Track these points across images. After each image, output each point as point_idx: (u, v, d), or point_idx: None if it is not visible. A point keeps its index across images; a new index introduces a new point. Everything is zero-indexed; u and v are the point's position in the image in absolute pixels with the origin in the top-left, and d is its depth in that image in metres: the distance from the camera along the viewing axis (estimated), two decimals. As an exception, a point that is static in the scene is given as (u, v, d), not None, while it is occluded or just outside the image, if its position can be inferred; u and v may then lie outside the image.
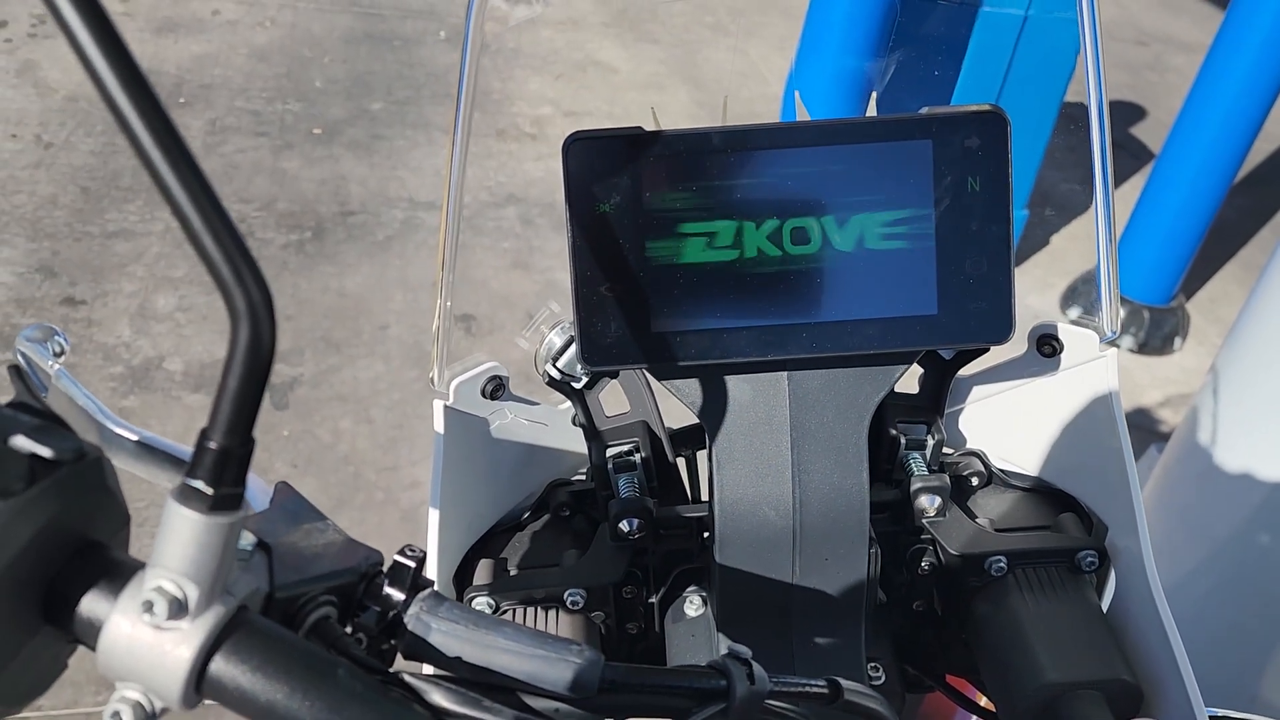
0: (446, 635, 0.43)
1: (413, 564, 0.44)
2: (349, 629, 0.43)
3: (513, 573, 0.74)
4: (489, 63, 4.61)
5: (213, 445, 0.35)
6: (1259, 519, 2.10)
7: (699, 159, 0.59)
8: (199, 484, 0.35)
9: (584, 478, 0.80)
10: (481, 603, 0.71)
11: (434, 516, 0.69)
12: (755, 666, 0.45)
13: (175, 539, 0.35)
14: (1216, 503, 2.17)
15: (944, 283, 0.60)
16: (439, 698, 0.39)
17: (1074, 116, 4.88)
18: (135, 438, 0.53)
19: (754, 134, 0.59)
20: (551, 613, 0.72)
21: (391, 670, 0.41)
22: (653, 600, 0.77)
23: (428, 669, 0.43)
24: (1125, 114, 5.19)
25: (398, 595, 0.43)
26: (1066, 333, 0.72)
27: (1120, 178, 4.49)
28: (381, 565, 0.45)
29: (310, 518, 0.45)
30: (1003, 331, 0.61)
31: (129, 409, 2.68)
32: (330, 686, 0.36)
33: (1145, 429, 3.16)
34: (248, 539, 0.41)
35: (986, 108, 0.59)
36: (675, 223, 0.59)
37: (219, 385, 0.35)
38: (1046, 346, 0.73)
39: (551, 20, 5.16)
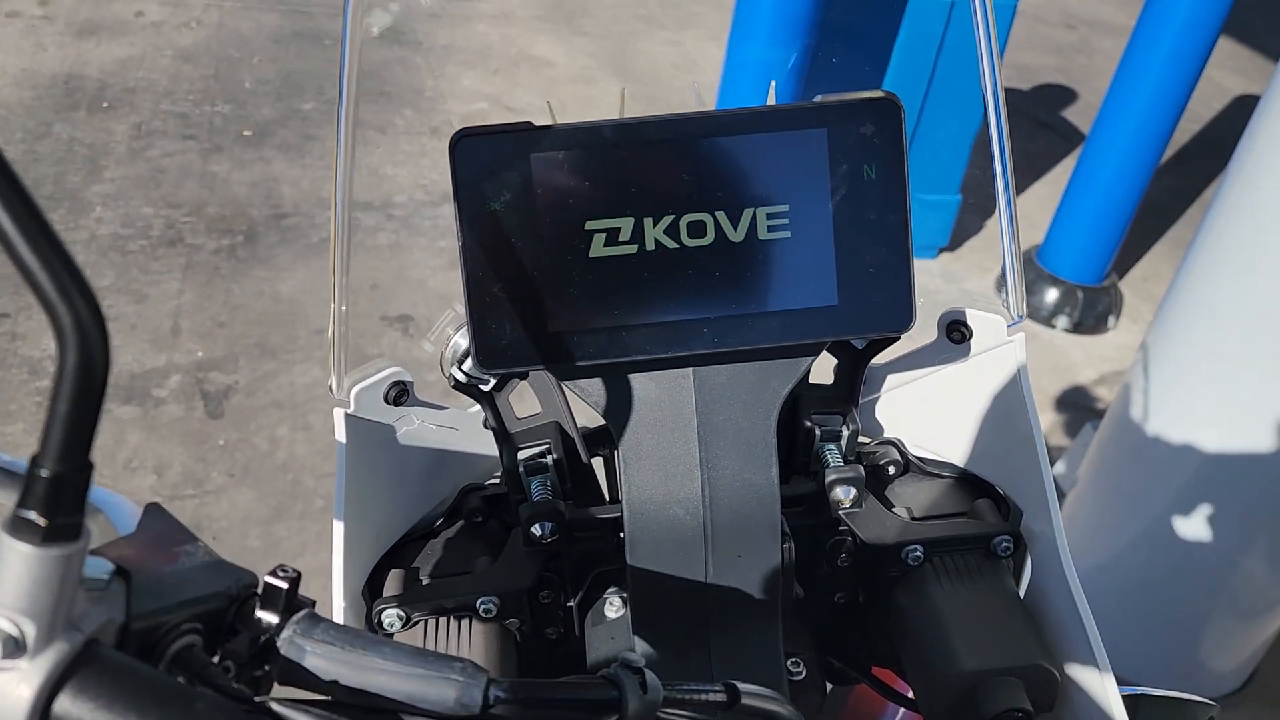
0: (322, 658, 0.41)
1: (285, 585, 0.42)
2: (218, 657, 0.41)
3: (425, 582, 0.72)
4: (421, 60, 4.56)
5: (45, 473, 0.33)
6: (1191, 491, 2.14)
7: (591, 153, 0.57)
8: (31, 515, 0.33)
9: (498, 482, 0.79)
10: (391, 615, 0.69)
11: (338, 529, 0.67)
12: (648, 675, 0.44)
13: (9, 574, 0.33)
14: (1150, 477, 2.21)
15: (843, 273, 0.59)
16: (308, 725, 0.38)
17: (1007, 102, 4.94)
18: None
19: (647, 126, 0.57)
20: (464, 622, 0.70)
21: (266, 698, 0.39)
22: (571, 604, 0.76)
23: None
24: (1055, 96, 5.27)
25: (270, 618, 0.41)
26: (975, 318, 0.71)
27: (1051, 160, 4.56)
28: (255, 587, 0.43)
29: (179, 540, 0.43)
30: (904, 320, 0.61)
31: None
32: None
33: (1082, 407, 3.21)
34: (103, 567, 0.39)
35: (880, 94, 0.58)
36: (568, 219, 0.58)
37: (48, 409, 0.33)
38: (956, 333, 0.72)
39: (484, 15, 5.12)
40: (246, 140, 3.82)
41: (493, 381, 0.71)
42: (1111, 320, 3.60)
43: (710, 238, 0.59)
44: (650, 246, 0.59)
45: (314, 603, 0.44)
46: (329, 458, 2.65)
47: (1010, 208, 0.68)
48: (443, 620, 0.70)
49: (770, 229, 0.59)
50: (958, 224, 3.76)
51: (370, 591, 0.73)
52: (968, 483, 0.78)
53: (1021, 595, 0.74)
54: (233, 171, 3.64)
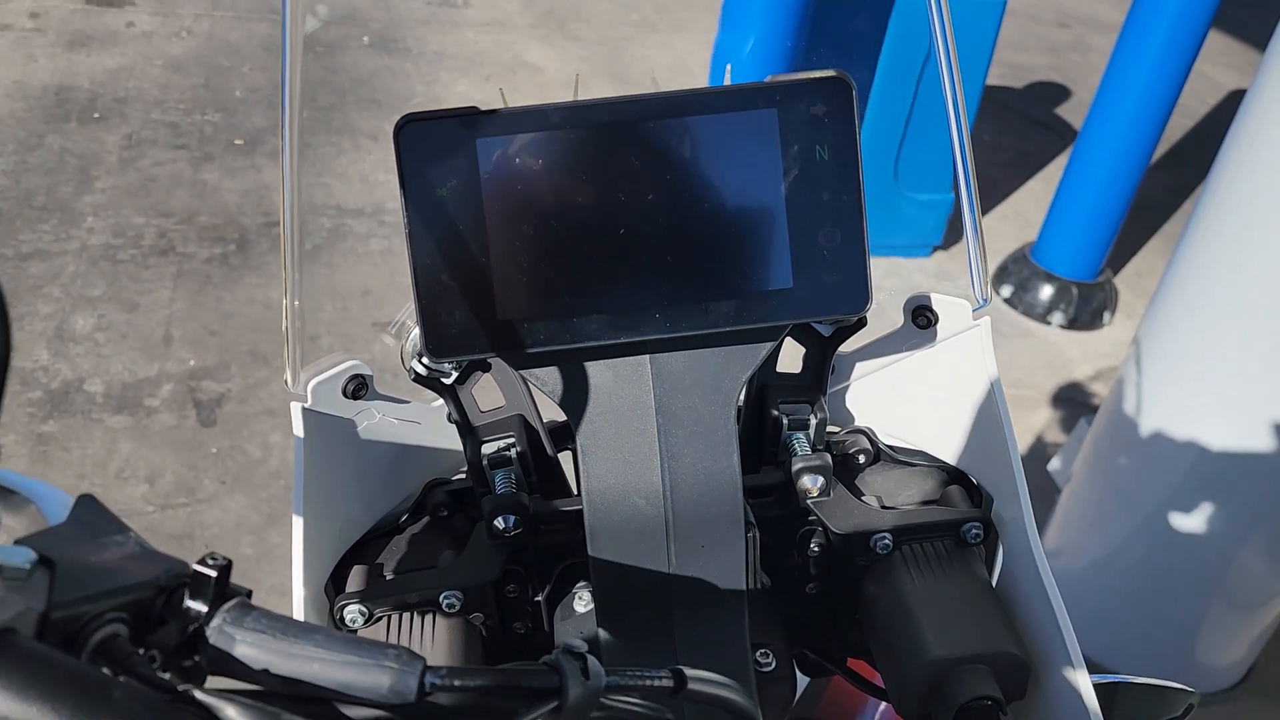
0: (253, 647, 0.40)
1: (214, 573, 0.41)
2: (144, 647, 0.40)
3: (389, 578, 0.71)
4: (411, 67, 4.56)
5: None
6: (1186, 485, 2.13)
7: (538, 137, 0.57)
8: None
9: (464, 477, 0.78)
10: (353, 611, 0.68)
11: (298, 524, 0.66)
12: (590, 661, 0.43)
13: (-85, 561, 0.32)
14: (1144, 472, 2.20)
15: (798, 255, 0.59)
16: (234, 714, 0.37)
17: (1000, 101, 4.93)
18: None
19: (595, 109, 0.57)
20: (428, 617, 0.69)
21: (190, 687, 0.38)
22: (539, 599, 0.75)
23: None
24: (1050, 94, 5.26)
25: (199, 608, 0.41)
26: (940, 303, 0.70)
27: (1045, 157, 4.55)
28: (186, 576, 0.42)
29: (109, 531, 0.42)
30: (860, 301, 0.60)
31: (49, 434, 2.60)
32: (102, 709, 0.34)
33: (1078, 403, 3.19)
34: (25, 556, 0.38)
35: (831, 73, 0.57)
36: (516, 204, 0.57)
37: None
38: (921, 318, 0.72)
39: (477, 22, 5.12)
40: (237, 149, 3.82)
41: (455, 374, 0.70)
42: (1107, 316, 3.59)
43: (663, 221, 0.58)
44: (600, 230, 0.58)
45: (249, 592, 0.43)
46: (321, 464, 2.64)
47: (971, 193, 0.67)
48: (406, 616, 0.69)
49: (724, 211, 0.58)
50: (951, 221, 3.75)
51: (334, 588, 0.72)
52: (939, 470, 0.77)
53: (994, 583, 0.73)
54: (224, 180, 3.64)
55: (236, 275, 3.21)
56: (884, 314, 0.76)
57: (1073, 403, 3.19)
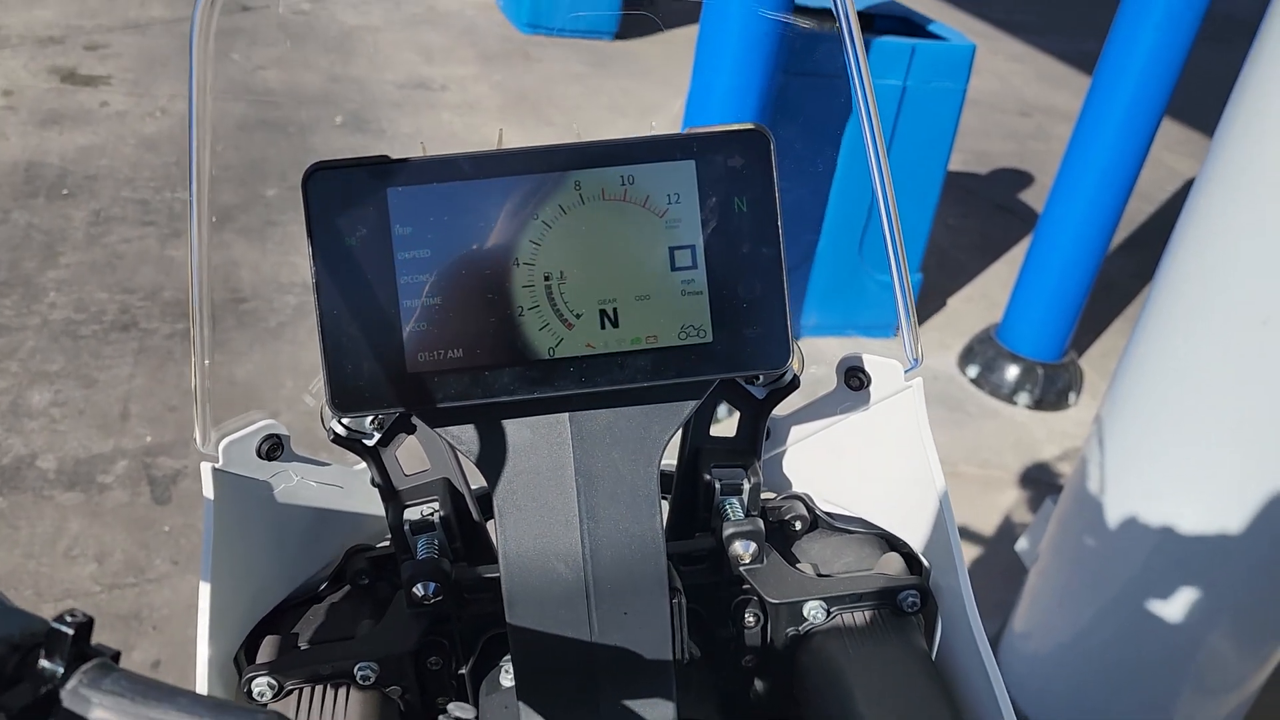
0: (111, 711, 0.37)
1: (72, 630, 0.38)
2: None
3: (303, 648, 0.68)
4: (385, 147, 4.60)
5: None
6: (1152, 565, 2.11)
7: (451, 186, 0.55)
8: None
9: (388, 544, 0.75)
10: (261, 684, 0.65)
11: (204, 590, 0.63)
12: None
13: None
14: (1110, 552, 2.18)
15: (717, 309, 0.57)
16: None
17: (965, 187, 5.03)
18: None
19: (509, 158, 0.56)
20: (342, 690, 0.66)
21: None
22: (463, 671, 0.72)
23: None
24: (1012, 180, 5.36)
25: (54, 668, 0.38)
26: (872, 364, 0.69)
27: (1009, 242, 4.62)
28: (43, 634, 0.40)
29: None
30: (780, 357, 0.58)
31: (-3, 510, 2.53)
32: None
33: (1045, 484, 3.19)
34: None
35: (749, 126, 0.57)
36: (428, 255, 0.56)
37: None
38: (854, 379, 0.70)
39: (451, 104, 5.19)
40: (207, 225, 3.82)
41: (377, 436, 0.68)
42: (1072, 397, 3.60)
43: (577, 273, 0.57)
44: (513, 282, 0.57)
45: (116, 653, 0.41)
46: (277, 543, 2.58)
47: (898, 255, 0.66)
48: (319, 689, 0.66)
49: (639, 263, 0.57)
50: (921, 301, 3.78)
51: (246, 658, 0.69)
52: (876, 538, 0.75)
53: (933, 654, 0.71)
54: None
55: (199, 351, 3.17)
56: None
57: (1040, 483, 3.18)
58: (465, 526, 0.72)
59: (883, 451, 0.72)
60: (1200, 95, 4.58)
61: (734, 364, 0.58)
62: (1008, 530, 2.98)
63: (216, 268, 3.59)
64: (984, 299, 4.19)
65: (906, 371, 0.69)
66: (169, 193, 3.98)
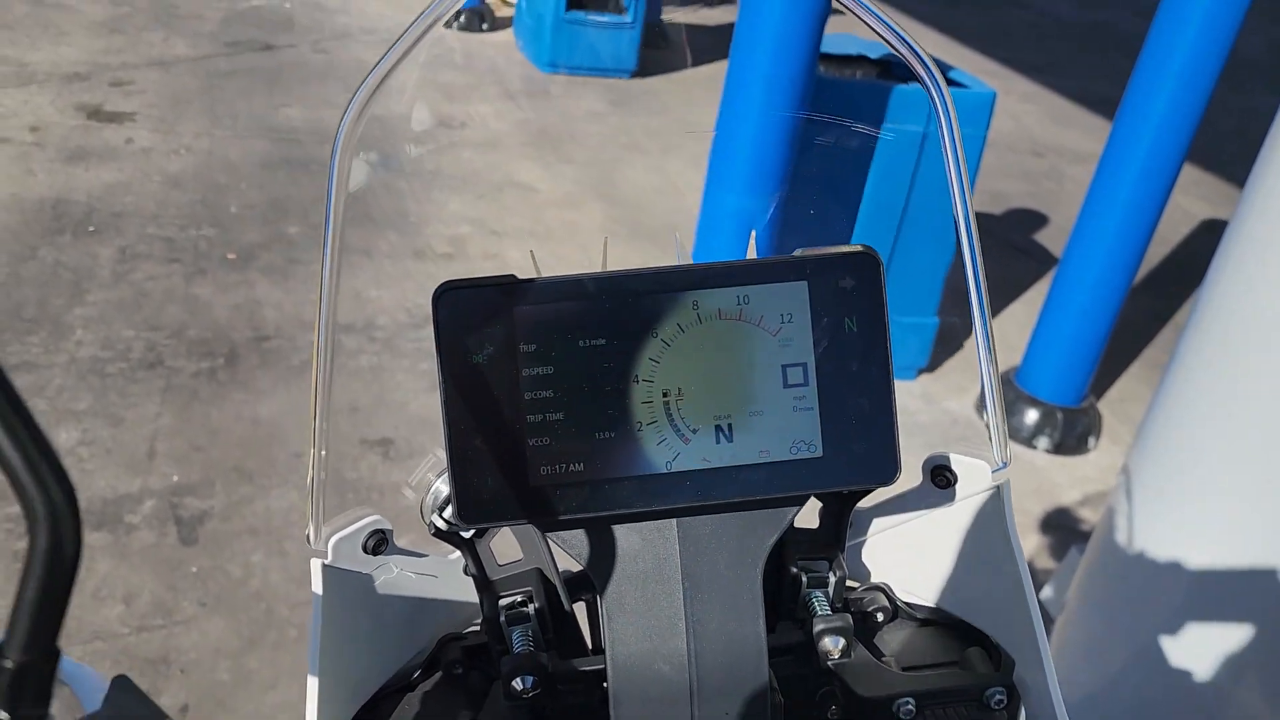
0: None
1: None
2: None
3: None
4: (405, 185, 4.64)
5: (9, 663, 0.32)
6: (1180, 617, 2.11)
7: (575, 306, 0.58)
8: None
9: (478, 628, 0.77)
10: (364, 775, 0.66)
11: (312, 684, 0.65)
12: None
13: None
14: (1137, 603, 2.18)
15: (827, 425, 0.59)
16: None
17: (980, 227, 5.06)
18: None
19: (630, 280, 0.58)
20: None
21: None
22: None
23: None
24: (1028, 221, 5.40)
25: None
26: (959, 464, 0.71)
27: (1025, 283, 4.65)
28: None
29: (141, 714, 0.42)
30: (889, 472, 0.60)
31: (24, 551, 2.55)
32: None
33: (1066, 529, 3.19)
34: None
35: (859, 248, 0.59)
36: (553, 373, 0.58)
37: (15, 595, 0.32)
38: (940, 478, 0.72)
39: (471, 142, 5.24)
40: (230, 263, 3.86)
41: (473, 529, 0.70)
42: (1092, 441, 3.61)
43: (695, 390, 0.59)
44: (634, 399, 0.59)
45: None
46: (303, 585, 2.59)
47: (991, 357, 0.68)
48: None
49: (755, 380, 0.59)
50: (936, 344, 3.80)
51: (344, 749, 0.70)
52: (958, 630, 0.77)
53: (1017, 750, 0.72)
54: (216, 295, 3.66)
55: (224, 391, 3.20)
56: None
57: (1061, 529, 3.19)
58: (557, 616, 0.73)
59: (965, 545, 0.74)
60: (1213, 137, 4.62)
61: (843, 478, 0.60)
62: (1032, 578, 2.97)
63: (238, 306, 3.62)
64: (1001, 341, 4.21)
65: (994, 471, 0.70)
66: (194, 230, 4.02)
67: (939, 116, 0.65)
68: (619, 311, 0.58)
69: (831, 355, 0.59)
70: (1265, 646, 1.98)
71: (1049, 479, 3.42)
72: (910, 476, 0.76)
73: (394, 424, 3.15)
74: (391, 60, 0.63)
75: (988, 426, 0.70)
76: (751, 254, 0.65)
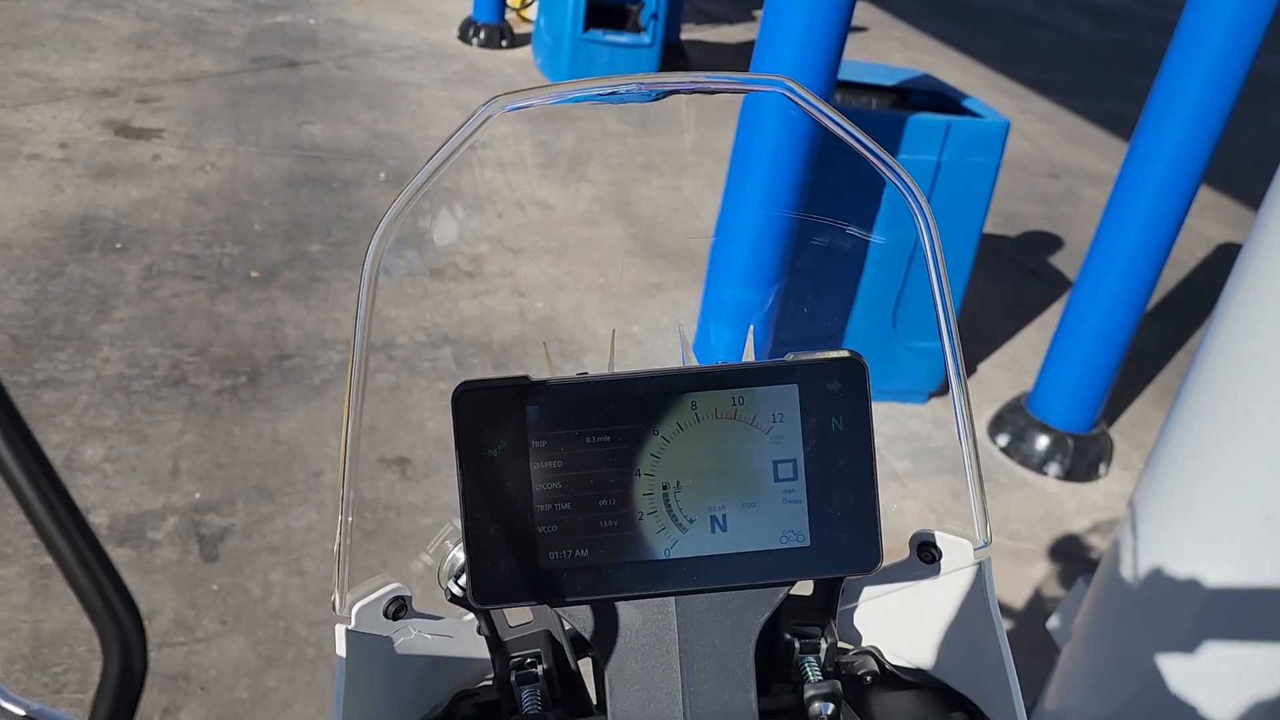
0: None
1: None
2: None
3: None
4: (425, 204, 4.70)
5: None
6: (1188, 648, 2.13)
7: (581, 406, 0.63)
8: None
9: (489, 684, 0.81)
10: (386, 830, 0.71)
11: (336, 741, 0.70)
12: None
13: None
14: (1145, 634, 2.20)
15: (814, 517, 0.64)
16: None
17: (994, 249, 5.08)
18: (22, 712, 0.53)
19: (636, 383, 0.63)
20: None
21: None
22: None
23: None
24: (1042, 244, 5.42)
25: None
26: (944, 541, 0.75)
27: (1039, 306, 4.67)
28: None
29: None
30: (871, 561, 0.65)
31: (50, 567, 2.61)
32: None
33: (1075, 557, 3.21)
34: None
35: (845, 354, 0.64)
36: (562, 467, 0.63)
37: (89, 713, 0.37)
38: (926, 553, 0.76)
39: (490, 161, 5.30)
40: (254, 281, 3.93)
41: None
42: (1103, 468, 3.63)
43: (694, 484, 0.64)
44: (638, 492, 0.64)
45: None
46: (322, 604, 2.65)
47: (971, 441, 0.72)
48: None
49: (749, 475, 0.64)
50: (947, 371, 3.83)
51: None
52: (942, 694, 0.81)
53: (997, 811, 0.76)
54: (239, 312, 3.73)
55: (246, 409, 3.26)
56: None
57: (1070, 556, 3.21)
58: (564, 673, 0.78)
59: (950, 615, 0.78)
60: (1229, 158, 4.63)
61: (828, 566, 0.65)
62: (1038, 604, 3.00)
63: (261, 324, 3.69)
64: (1014, 364, 4.24)
65: (976, 549, 0.75)
66: (218, 248, 4.10)
67: (922, 236, 0.70)
68: (623, 411, 0.63)
69: (819, 452, 0.64)
70: (1275, 679, 2.00)
71: (1059, 505, 3.45)
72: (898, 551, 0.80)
73: (411, 443, 3.21)
74: (426, 174, 0.68)
75: (971, 504, 0.75)
76: (749, 350, 0.70)
